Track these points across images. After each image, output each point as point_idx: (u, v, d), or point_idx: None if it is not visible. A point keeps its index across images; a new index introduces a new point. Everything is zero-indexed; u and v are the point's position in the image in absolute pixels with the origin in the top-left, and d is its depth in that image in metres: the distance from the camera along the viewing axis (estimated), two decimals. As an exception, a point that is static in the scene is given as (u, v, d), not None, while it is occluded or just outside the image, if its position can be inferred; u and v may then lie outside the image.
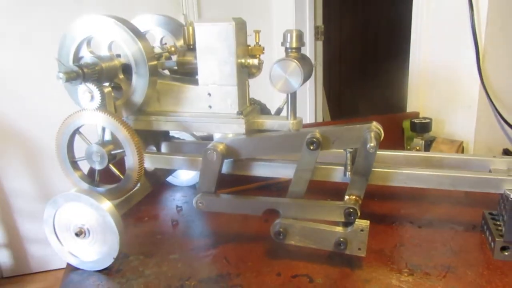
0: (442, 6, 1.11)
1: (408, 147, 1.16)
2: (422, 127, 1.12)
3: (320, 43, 2.20)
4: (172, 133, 0.95)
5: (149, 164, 0.79)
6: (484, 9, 0.98)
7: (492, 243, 0.67)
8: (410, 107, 1.28)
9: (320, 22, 2.20)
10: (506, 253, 0.65)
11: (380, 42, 2.86)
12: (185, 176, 0.99)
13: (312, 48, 2.15)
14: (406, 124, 1.18)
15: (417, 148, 1.11)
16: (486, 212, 0.74)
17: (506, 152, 1.07)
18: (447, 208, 0.85)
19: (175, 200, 0.93)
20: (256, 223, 0.81)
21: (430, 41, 1.17)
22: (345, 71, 2.98)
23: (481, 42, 1.01)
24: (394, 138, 1.21)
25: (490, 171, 0.71)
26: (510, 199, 0.63)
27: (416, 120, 1.13)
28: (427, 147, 1.10)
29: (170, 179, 0.99)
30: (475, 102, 1.05)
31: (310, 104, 2.20)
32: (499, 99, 1.04)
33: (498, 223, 0.70)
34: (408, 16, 1.23)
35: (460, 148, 1.06)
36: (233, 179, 0.92)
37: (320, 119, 2.30)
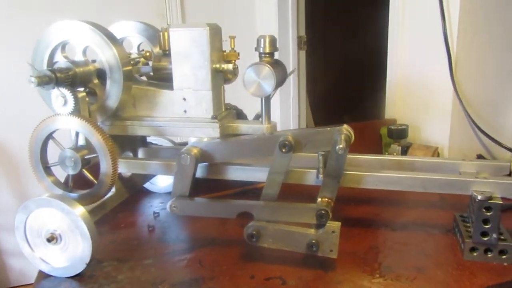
0: (417, 16, 1.14)
1: (386, 153, 1.18)
2: (399, 134, 1.14)
3: (303, 53, 2.23)
4: (150, 139, 0.95)
5: (124, 170, 0.79)
6: (455, 19, 1.01)
7: (462, 244, 0.69)
8: (388, 115, 1.30)
9: (303, 32, 2.23)
10: (475, 254, 0.67)
11: (363, 51, 2.91)
12: (163, 182, 0.98)
13: (295, 58, 2.17)
14: (384, 131, 1.20)
15: (395, 153, 1.13)
16: (457, 214, 0.76)
17: (479, 158, 1.09)
18: (421, 212, 0.86)
19: (152, 207, 0.93)
20: (233, 227, 0.81)
21: (406, 51, 1.19)
22: (330, 80, 3.01)
23: (453, 51, 1.03)
24: (373, 145, 1.23)
25: (460, 173, 0.73)
26: (477, 200, 0.64)
27: (393, 127, 1.15)
28: (404, 152, 1.12)
29: (148, 185, 0.99)
30: (449, 109, 1.08)
31: (293, 112, 2.22)
32: (472, 106, 1.06)
33: (467, 224, 0.71)
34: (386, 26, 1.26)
35: (435, 153, 1.08)
36: (210, 186, 0.93)
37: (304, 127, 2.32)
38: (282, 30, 2.09)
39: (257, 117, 0.86)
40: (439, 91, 1.09)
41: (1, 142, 1.80)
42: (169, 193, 0.98)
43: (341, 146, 0.61)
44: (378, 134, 1.24)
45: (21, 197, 1.87)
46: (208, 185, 0.89)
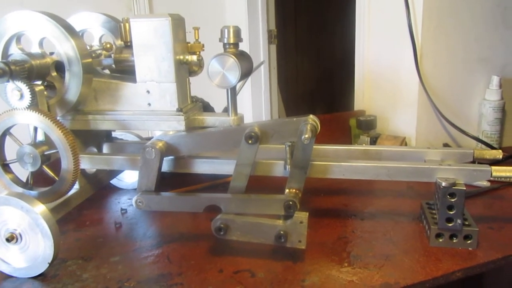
0: (382, 6, 1.15)
1: (356, 144, 1.19)
2: (367, 125, 1.15)
3: (273, 47, 2.23)
4: (116, 135, 0.93)
5: (88, 166, 0.77)
6: (419, 8, 1.02)
7: (428, 231, 0.70)
8: (357, 106, 1.31)
9: (273, 26, 2.22)
10: (441, 240, 0.68)
11: (334, 44, 2.92)
12: (130, 178, 0.96)
13: (266, 52, 2.17)
14: (353, 122, 1.20)
15: (364, 144, 1.13)
16: (423, 202, 0.77)
17: (445, 146, 1.11)
18: (389, 201, 0.87)
19: (120, 203, 0.91)
20: (202, 222, 0.80)
21: (373, 42, 1.20)
22: (301, 75, 3.02)
23: (418, 42, 1.05)
24: (342, 136, 1.24)
25: (425, 161, 0.74)
26: (442, 187, 0.65)
27: (361, 118, 1.16)
28: (373, 143, 1.13)
29: (115, 182, 0.97)
30: (415, 100, 1.09)
31: (265, 106, 2.22)
32: (438, 96, 1.08)
33: (433, 211, 0.72)
34: (353, 21, 1.27)
35: (403, 143, 1.09)
36: (179, 182, 0.91)
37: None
38: (252, 24, 2.08)
39: (226, 110, 0.85)
40: (405, 82, 1.11)
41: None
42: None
43: (306, 136, 0.60)
44: (347, 125, 1.25)
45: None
46: (176, 180, 0.88)
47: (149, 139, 0.99)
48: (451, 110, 1.10)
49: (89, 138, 0.82)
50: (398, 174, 0.68)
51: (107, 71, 0.84)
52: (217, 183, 0.97)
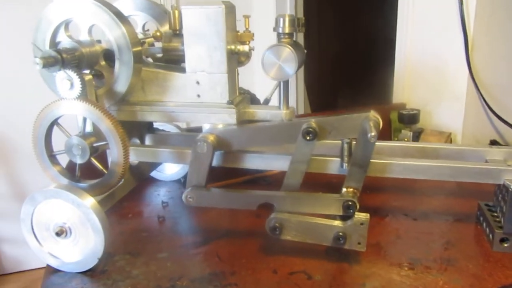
0: (430, -5, 1.10)
1: (396, 139, 1.15)
2: (410, 119, 1.10)
3: (301, 35, 2.18)
4: (155, 125, 0.90)
5: (133, 158, 0.74)
6: (473, -1, 0.97)
7: (491, 235, 0.66)
8: (396, 99, 1.27)
9: (301, 14, 2.17)
10: (506, 245, 0.64)
11: (361, 32, 2.85)
12: (170, 170, 0.94)
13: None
14: (394, 116, 1.16)
15: (405, 139, 1.10)
16: (482, 203, 0.73)
17: (493, 143, 1.06)
18: (441, 200, 0.84)
19: (160, 196, 0.89)
20: (247, 218, 0.77)
21: (417, 29, 1.15)
22: (325, 64, 2.96)
23: (469, 32, 1.00)
24: (381, 130, 1.19)
25: (486, 161, 0.70)
26: (511, 189, 0.61)
27: (404, 112, 1.12)
28: (415, 138, 1.09)
29: (154, 173, 0.95)
30: (463, 93, 1.04)
31: (290, 97, 2.18)
32: (488, 90, 1.03)
33: (495, 214, 0.69)
34: (395, 4, 1.22)
35: (448, 139, 1.05)
36: (216, 174, 0.89)
37: (301, 112, 2.28)
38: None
39: (266, 102, 0.82)
40: (453, 73, 1.06)
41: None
42: (177, 181, 0.95)
43: (373, 133, 0.57)
44: (387, 119, 1.20)
45: (13, 183, 1.81)
46: (213, 172, 0.86)
47: (189, 130, 0.97)
48: (501, 105, 1.05)
49: (132, 129, 0.79)
50: (462, 175, 0.64)
51: (149, 60, 0.81)
52: (257, 176, 0.94)
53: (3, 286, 1.90)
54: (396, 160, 0.66)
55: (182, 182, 0.93)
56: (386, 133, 1.20)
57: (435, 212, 0.79)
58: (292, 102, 2.19)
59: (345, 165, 0.65)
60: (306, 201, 0.63)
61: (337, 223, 0.61)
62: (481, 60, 1.01)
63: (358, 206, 0.61)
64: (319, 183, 0.81)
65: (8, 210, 1.77)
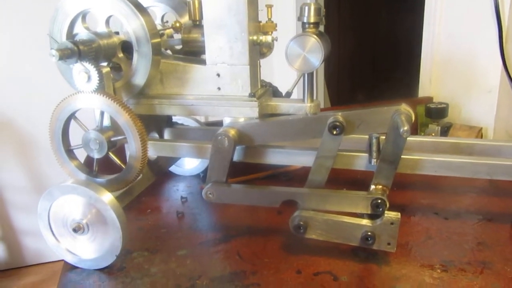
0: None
1: (423, 133, 1.10)
2: (438, 113, 1.06)
3: (321, 27, 2.13)
4: (174, 119, 0.88)
5: (152, 152, 0.72)
6: (508, -14, 0.92)
7: (530, 236, 0.62)
8: (422, 92, 1.22)
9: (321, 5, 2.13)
10: (547, 247, 0.60)
11: (382, 27, 2.78)
12: (189, 165, 0.92)
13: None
14: (420, 110, 1.12)
15: (433, 134, 1.05)
16: (518, 202, 0.69)
17: (527, 138, 1.01)
18: (472, 199, 0.79)
19: (179, 191, 0.87)
20: (268, 215, 0.75)
21: (446, 19, 1.09)
22: (344, 58, 2.90)
23: (504, 23, 0.94)
24: (407, 124, 1.15)
25: (525, 157, 0.65)
26: (554, 188, 0.57)
27: (431, 105, 1.07)
28: (444, 133, 1.05)
29: (172, 168, 0.93)
30: (496, 86, 0.99)
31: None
32: (521, 82, 0.98)
33: (534, 214, 0.64)
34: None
35: (479, 134, 1.00)
36: (233, 168, 0.86)
37: (321, 107, 2.23)
38: (300, 2, 1.99)
39: (288, 95, 0.79)
40: (484, 66, 1.01)
41: (11, 120, 1.74)
42: (196, 176, 0.93)
43: (405, 128, 0.53)
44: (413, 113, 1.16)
45: (34, 176, 1.83)
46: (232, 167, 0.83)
47: (209, 124, 0.95)
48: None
49: (151, 123, 0.77)
50: (501, 173, 0.60)
51: (168, 52, 0.79)
52: (278, 171, 0.91)
53: (25, 278, 1.92)
54: (428, 156, 0.62)
55: (201, 177, 0.91)
56: (412, 128, 1.16)
57: (467, 211, 0.74)
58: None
59: (373, 161, 0.61)
60: (332, 198, 0.60)
61: (365, 222, 0.58)
62: (514, 52, 0.96)
63: (388, 205, 0.57)
64: (343, 180, 0.78)
65: (29, 203, 1.79)
